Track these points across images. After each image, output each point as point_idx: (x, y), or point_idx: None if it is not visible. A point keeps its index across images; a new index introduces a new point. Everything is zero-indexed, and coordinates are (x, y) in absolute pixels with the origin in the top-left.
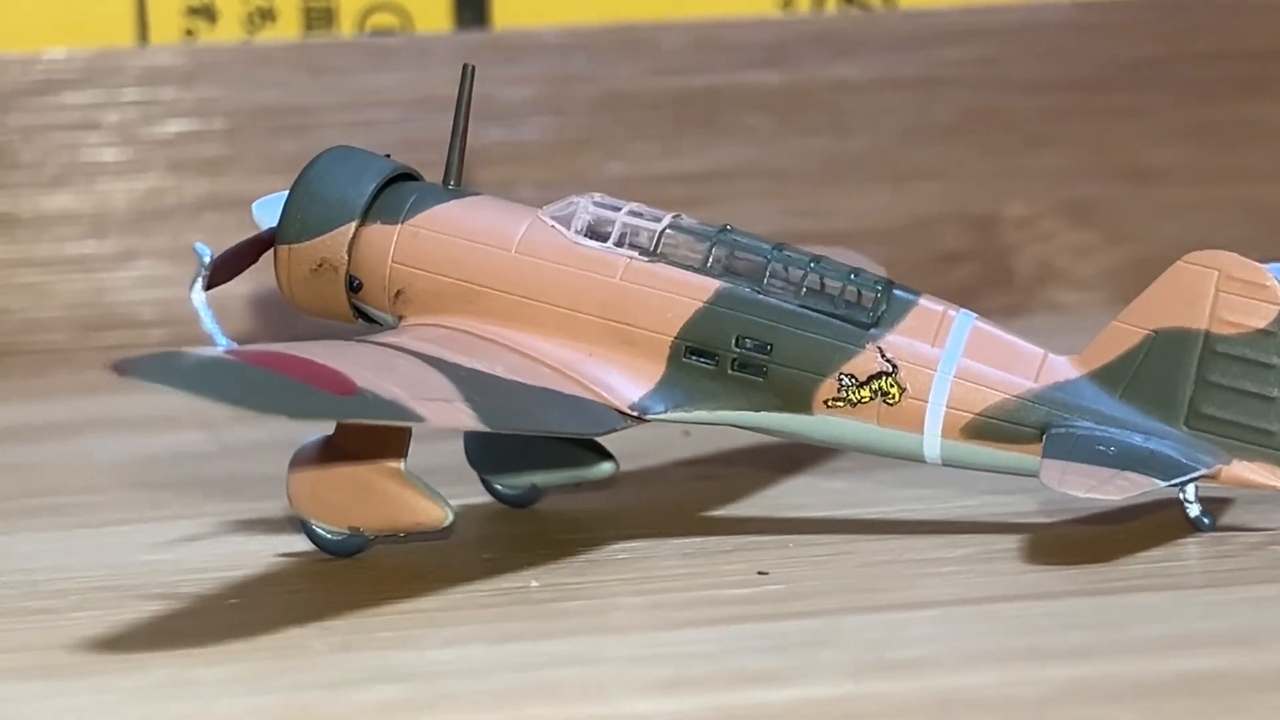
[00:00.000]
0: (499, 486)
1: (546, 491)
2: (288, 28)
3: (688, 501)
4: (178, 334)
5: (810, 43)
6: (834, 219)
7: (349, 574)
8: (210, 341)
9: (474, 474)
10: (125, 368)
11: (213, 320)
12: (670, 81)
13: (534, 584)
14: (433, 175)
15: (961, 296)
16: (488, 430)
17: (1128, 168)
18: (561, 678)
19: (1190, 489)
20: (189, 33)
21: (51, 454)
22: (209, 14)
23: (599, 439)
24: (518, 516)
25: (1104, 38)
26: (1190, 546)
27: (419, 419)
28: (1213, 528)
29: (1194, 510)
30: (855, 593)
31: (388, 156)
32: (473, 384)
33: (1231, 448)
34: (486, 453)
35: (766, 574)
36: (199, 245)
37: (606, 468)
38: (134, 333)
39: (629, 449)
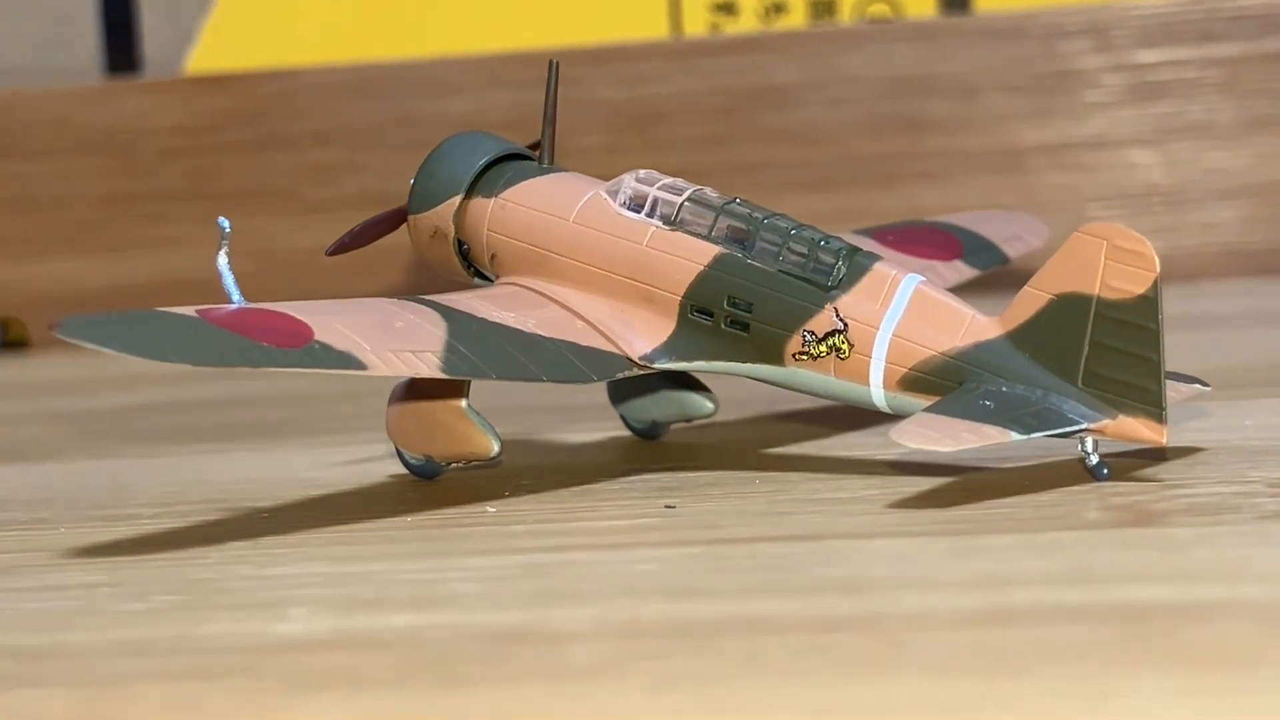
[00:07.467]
0: (631, 422)
1: (668, 427)
2: (795, 18)
3: (748, 440)
4: None
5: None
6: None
7: (406, 493)
8: (227, 300)
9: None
10: (55, 327)
11: (232, 283)
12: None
13: (490, 509)
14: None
15: None
16: (445, 377)
17: None
18: (344, 594)
19: (1089, 442)
20: (714, 25)
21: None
22: (730, 9)
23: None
24: (632, 449)
25: None
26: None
27: (362, 367)
28: (1109, 477)
29: (1093, 460)
30: (696, 529)
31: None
32: (474, 338)
33: (1119, 404)
34: (619, 396)
35: (673, 508)
36: (221, 219)
37: (708, 407)
38: None
39: (740, 395)
